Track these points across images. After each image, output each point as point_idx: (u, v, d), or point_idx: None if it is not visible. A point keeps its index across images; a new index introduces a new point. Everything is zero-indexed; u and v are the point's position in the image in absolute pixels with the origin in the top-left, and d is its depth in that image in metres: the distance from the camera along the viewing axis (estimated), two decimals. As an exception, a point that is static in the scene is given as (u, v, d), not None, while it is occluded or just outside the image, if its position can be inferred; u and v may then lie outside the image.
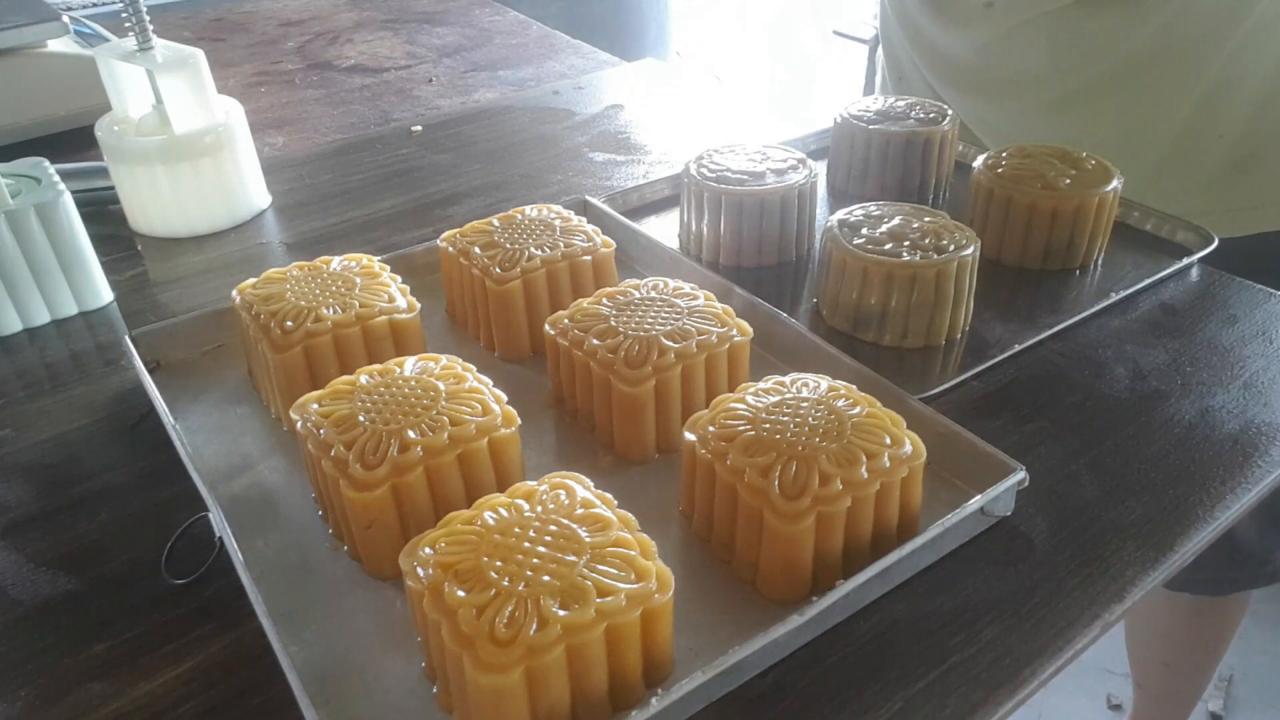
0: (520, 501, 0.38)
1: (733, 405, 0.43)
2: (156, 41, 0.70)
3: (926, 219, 0.59)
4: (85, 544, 0.46)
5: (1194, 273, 0.64)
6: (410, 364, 0.46)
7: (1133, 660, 1.17)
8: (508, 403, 0.44)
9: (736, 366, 0.50)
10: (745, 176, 0.65)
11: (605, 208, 0.69)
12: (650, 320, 0.49)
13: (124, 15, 0.69)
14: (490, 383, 0.46)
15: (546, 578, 0.34)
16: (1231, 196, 0.76)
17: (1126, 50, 0.73)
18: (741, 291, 0.58)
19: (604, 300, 0.51)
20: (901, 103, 0.75)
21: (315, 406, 0.44)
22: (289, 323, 0.50)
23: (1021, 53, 0.77)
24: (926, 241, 0.56)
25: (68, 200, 0.62)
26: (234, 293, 0.53)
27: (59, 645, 0.40)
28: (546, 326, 0.51)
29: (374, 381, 0.45)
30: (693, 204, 0.66)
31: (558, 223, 0.59)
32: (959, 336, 0.58)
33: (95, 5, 1.32)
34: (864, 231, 0.58)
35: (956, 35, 0.80)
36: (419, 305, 0.53)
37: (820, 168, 0.77)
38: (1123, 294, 0.61)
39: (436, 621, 0.34)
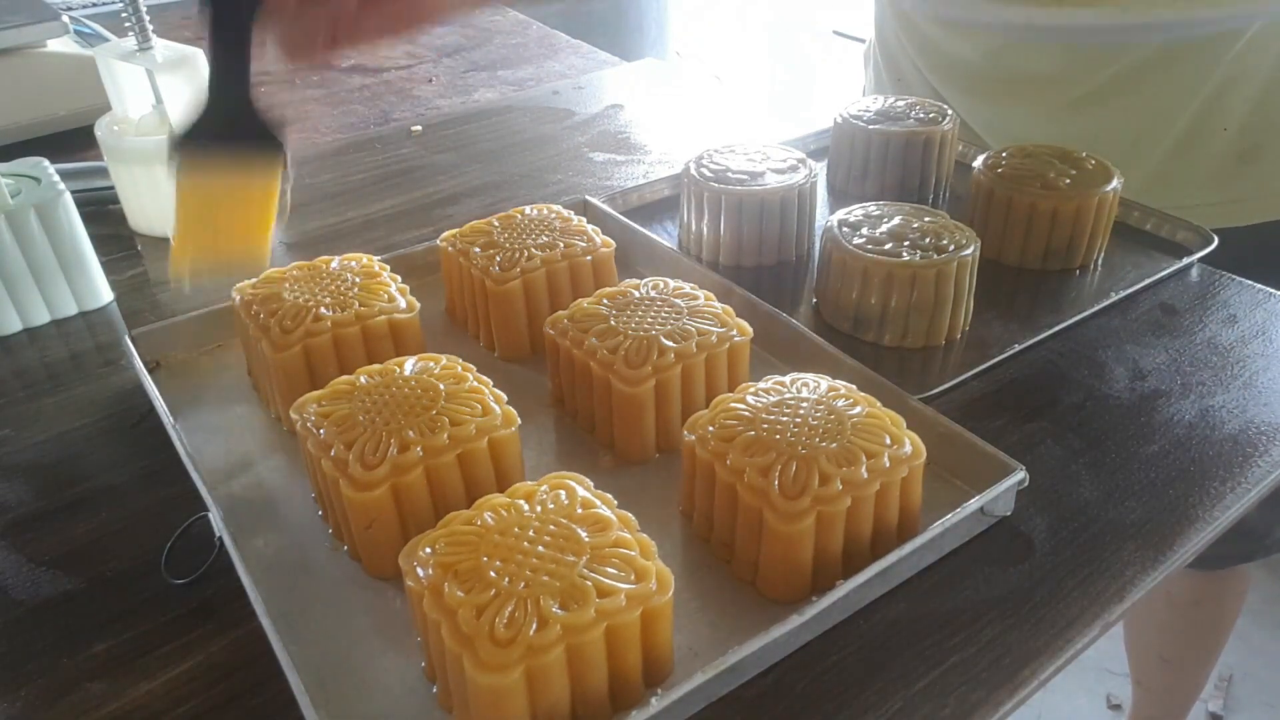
0: (520, 502, 0.38)
1: (733, 405, 0.43)
2: (156, 41, 0.70)
3: (926, 219, 0.59)
4: (85, 544, 0.46)
5: (1194, 273, 0.64)
6: (410, 364, 0.46)
7: (1131, 656, 1.18)
8: (508, 403, 0.44)
9: (736, 366, 0.50)
10: (745, 176, 0.65)
11: (605, 208, 0.69)
12: (650, 320, 0.49)
13: (124, 15, 0.68)
14: (490, 383, 0.46)
15: (546, 578, 0.34)
16: (1235, 188, 0.76)
17: (1138, 53, 0.74)
18: (741, 291, 0.58)
19: (604, 300, 0.51)
20: (901, 103, 0.75)
21: (315, 406, 0.44)
22: (289, 323, 0.50)
23: (1034, 57, 0.77)
24: (926, 241, 0.56)
25: (68, 200, 0.62)
26: (234, 293, 0.53)
27: (59, 645, 0.40)
28: (546, 326, 0.51)
29: (374, 381, 0.45)
30: (693, 204, 0.66)
31: (558, 223, 0.59)
32: (959, 336, 0.58)
33: (95, 5, 1.32)
34: (864, 231, 0.58)
35: (965, 40, 0.80)
36: (419, 305, 0.53)
37: (820, 168, 0.77)
38: (1123, 294, 0.61)
39: (436, 621, 0.34)
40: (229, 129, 0.44)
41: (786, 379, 0.45)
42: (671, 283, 0.52)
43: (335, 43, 0.47)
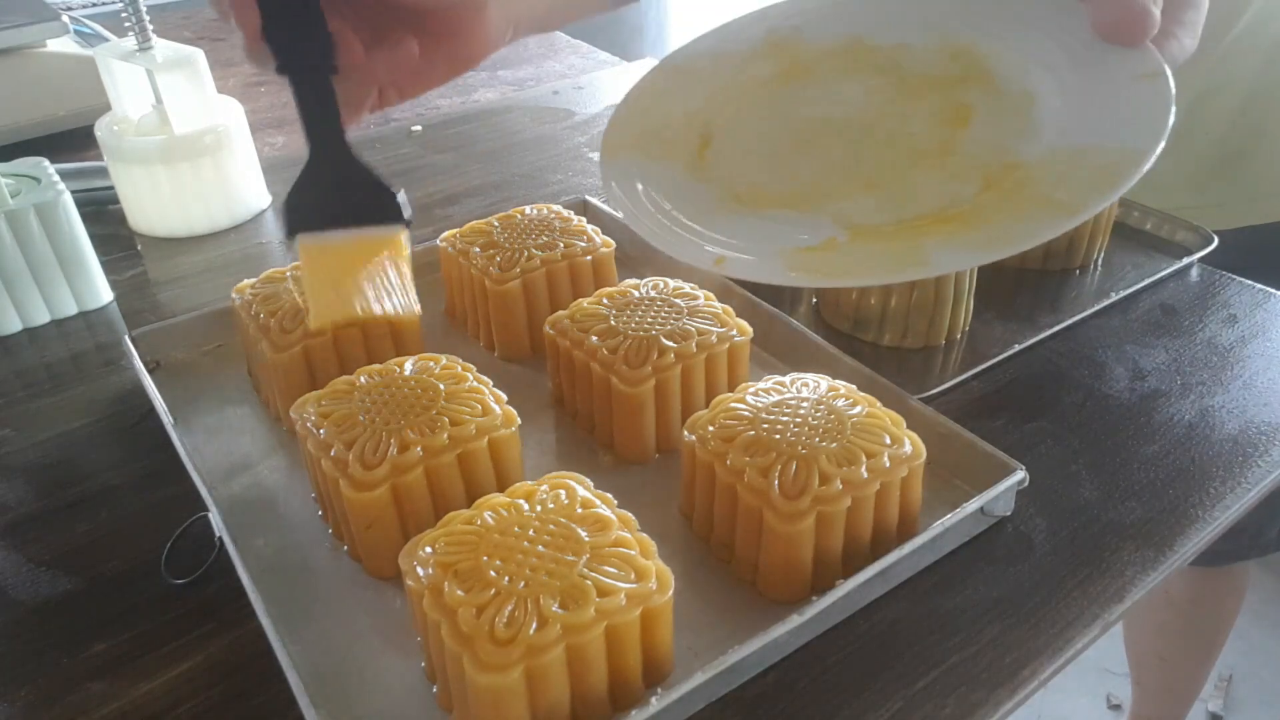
0: (520, 501, 0.38)
1: (733, 405, 0.43)
2: (156, 41, 0.70)
3: (926, 219, 0.59)
4: (85, 544, 0.46)
5: (1194, 273, 0.64)
6: (410, 364, 0.46)
7: (1130, 656, 1.18)
8: (508, 403, 0.44)
9: (736, 366, 0.50)
10: (745, 176, 0.65)
11: (605, 208, 0.69)
12: (650, 320, 0.49)
13: (124, 15, 0.69)
14: (490, 383, 0.46)
15: (546, 577, 0.34)
16: (1219, 192, 0.77)
17: None
18: (741, 291, 0.58)
19: (604, 300, 0.51)
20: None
21: (315, 406, 0.44)
22: (289, 323, 0.50)
23: None
24: (926, 241, 0.56)
25: (68, 200, 0.62)
26: (234, 293, 0.53)
27: (59, 645, 0.40)
28: (546, 326, 0.51)
29: (374, 381, 0.45)
30: (693, 204, 0.66)
31: (558, 223, 0.59)
32: (959, 336, 0.58)
33: (95, 5, 1.32)
34: (864, 231, 0.58)
35: None
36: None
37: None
38: (1123, 294, 0.61)
39: (436, 621, 0.34)
40: (341, 198, 0.41)
41: (786, 379, 0.45)
42: (671, 283, 0.52)
43: (391, 96, 0.44)
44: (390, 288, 0.43)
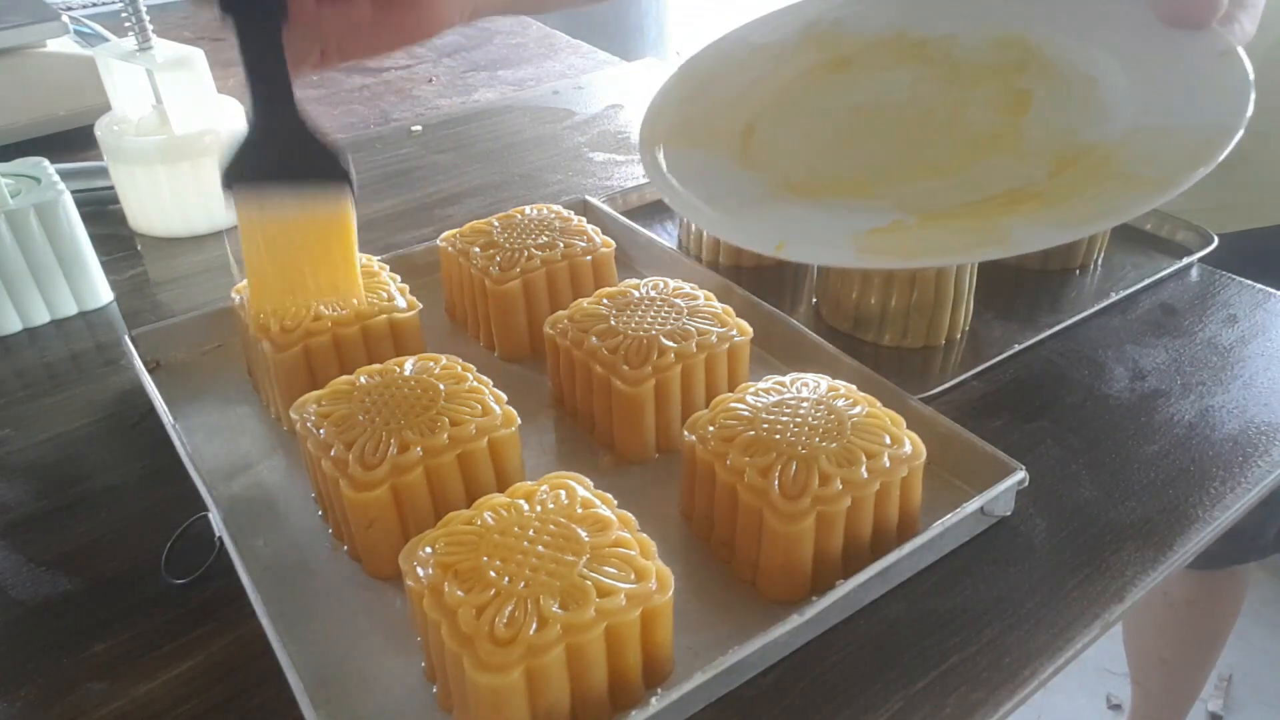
0: (520, 501, 0.38)
1: (733, 405, 0.43)
2: (156, 41, 0.70)
3: (926, 219, 0.59)
4: (85, 544, 0.46)
5: (1194, 273, 0.64)
6: (410, 364, 0.46)
7: (1130, 657, 1.18)
8: (508, 403, 0.44)
9: (736, 366, 0.50)
10: (745, 176, 0.65)
11: (605, 208, 0.69)
12: (650, 320, 0.49)
13: (124, 15, 0.69)
14: (490, 383, 0.46)
15: (546, 577, 0.34)
16: (1218, 195, 0.77)
17: None
18: (741, 291, 0.58)
19: (604, 300, 0.51)
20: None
21: (315, 406, 0.44)
22: (289, 323, 0.50)
23: None
24: (926, 241, 0.56)
25: (68, 200, 0.62)
26: (234, 293, 0.53)
27: (59, 645, 0.40)
28: (546, 326, 0.51)
29: (374, 381, 0.45)
30: (693, 204, 0.66)
31: (558, 223, 0.59)
32: (959, 336, 0.58)
33: (95, 5, 1.32)
34: (864, 231, 0.58)
35: None
36: (419, 305, 0.53)
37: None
38: (1123, 294, 0.61)
39: (436, 621, 0.34)
40: (283, 157, 0.39)
41: (786, 379, 0.45)
42: (671, 283, 0.52)
43: (332, 56, 0.44)
44: (334, 269, 0.42)
